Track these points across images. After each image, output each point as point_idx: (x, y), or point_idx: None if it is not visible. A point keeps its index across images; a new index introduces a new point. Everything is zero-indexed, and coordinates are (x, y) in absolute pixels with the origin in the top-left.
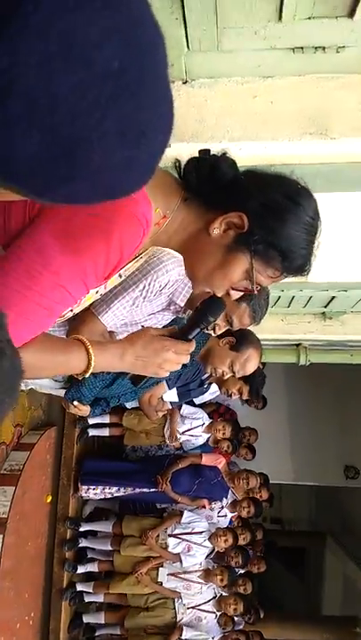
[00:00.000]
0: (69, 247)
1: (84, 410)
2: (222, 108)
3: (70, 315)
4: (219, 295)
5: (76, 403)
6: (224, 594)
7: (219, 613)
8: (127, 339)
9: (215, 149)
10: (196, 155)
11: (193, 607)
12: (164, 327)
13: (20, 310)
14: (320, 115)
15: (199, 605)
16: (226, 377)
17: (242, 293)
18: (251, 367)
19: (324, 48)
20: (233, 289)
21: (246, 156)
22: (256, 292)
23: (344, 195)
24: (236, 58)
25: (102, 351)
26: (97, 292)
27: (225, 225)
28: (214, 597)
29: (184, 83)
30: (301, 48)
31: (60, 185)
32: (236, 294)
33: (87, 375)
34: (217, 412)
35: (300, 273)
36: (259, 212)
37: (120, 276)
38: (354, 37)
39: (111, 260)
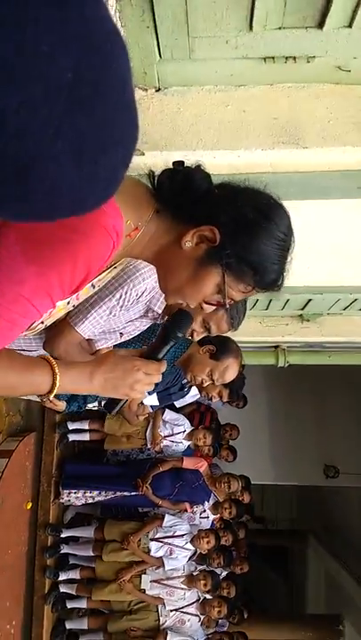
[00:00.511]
0: (35, 258)
1: (60, 405)
2: (195, 116)
3: (41, 326)
4: (191, 306)
5: (51, 397)
6: (208, 597)
7: (202, 616)
8: (95, 360)
9: (190, 159)
10: (170, 166)
11: (176, 610)
12: (141, 334)
13: None
14: (292, 124)
15: (182, 608)
16: (205, 384)
17: (214, 307)
18: (230, 376)
19: (294, 58)
20: (205, 303)
21: (220, 164)
22: (228, 306)
23: (317, 202)
24: (209, 66)
25: (69, 371)
26: (68, 303)
27: (197, 238)
28: (198, 600)
29: (157, 90)
30: (273, 58)
31: (12, 204)
32: (208, 308)
33: (51, 396)
34: (197, 410)
35: (273, 288)
36: (230, 227)
37: (93, 286)
38: (324, 48)
39: (77, 274)
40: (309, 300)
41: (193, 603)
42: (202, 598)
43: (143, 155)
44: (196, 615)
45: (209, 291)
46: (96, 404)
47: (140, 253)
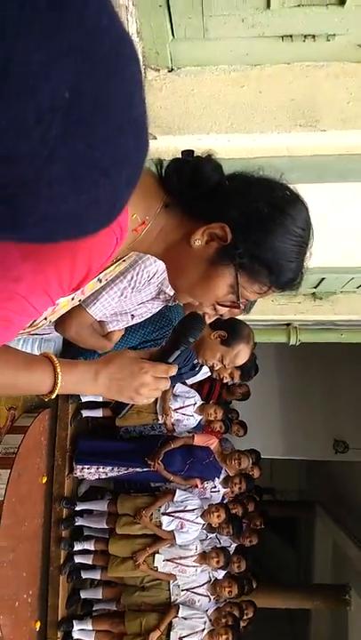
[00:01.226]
0: (31, 255)
1: None
2: (209, 97)
3: (45, 322)
4: (205, 308)
5: (53, 397)
6: (218, 578)
7: (213, 597)
8: (102, 359)
9: (204, 143)
10: (179, 154)
11: (187, 590)
12: (152, 317)
13: None
14: (309, 106)
15: (193, 589)
16: (216, 368)
17: (228, 309)
18: (241, 361)
19: (313, 36)
20: (219, 304)
21: (235, 147)
22: (243, 307)
23: (334, 185)
24: (223, 46)
25: (72, 370)
26: (72, 299)
27: (207, 236)
28: (209, 581)
29: (170, 71)
30: (290, 36)
31: (6, 232)
32: (222, 310)
33: (53, 397)
34: (207, 380)
35: (291, 287)
36: (243, 223)
37: (100, 280)
38: (344, 26)
39: (77, 272)
40: (323, 278)
41: (204, 584)
42: (213, 580)
43: (155, 139)
44: (207, 596)
45: (221, 292)
46: None
47: (147, 249)
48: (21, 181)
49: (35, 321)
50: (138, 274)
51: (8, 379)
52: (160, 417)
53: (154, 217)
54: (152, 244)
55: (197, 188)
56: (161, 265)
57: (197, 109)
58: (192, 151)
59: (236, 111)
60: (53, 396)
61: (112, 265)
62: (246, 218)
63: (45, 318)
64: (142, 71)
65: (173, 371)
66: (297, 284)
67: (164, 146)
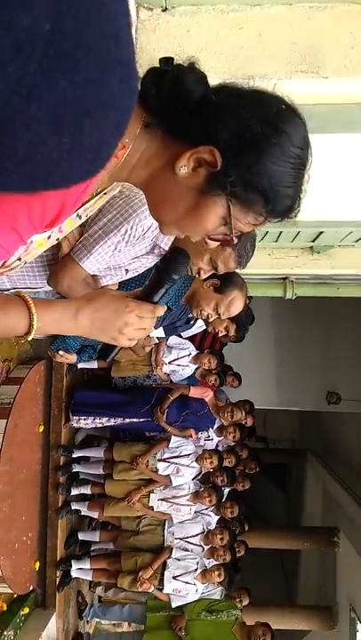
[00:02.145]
0: None
1: (71, 359)
2: (206, 39)
3: (18, 263)
4: (194, 240)
5: (62, 352)
6: (211, 529)
7: (206, 546)
8: (84, 297)
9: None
10: (156, 65)
11: (181, 538)
12: (146, 271)
13: None
14: (312, 50)
15: (187, 538)
16: (211, 319)
17: (219, 243)
18: (235, 309)
19: None
20: (210, 238)
21: None
22: (236, 240)
23: (336, 136)
24: None
25: (49, 310)
26: (49, 238)
27: (193, 162)
28: (202, 532)
29: (164, 10)
30: None
31: None
32: (213, 244)
33: (29, 338)
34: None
35: (288, 216)
36: (233, 145)
37: (79, 216)
38: None
39: (50, 207)
40: (321, 232)
41: (198, 534)
42: (206, 530)
43: None
44: (200, 546)
45: (212, 225)
46: None
47: (127, 177)
48: None
49: (5, 262)
50: (132, 227)
51: None
52: (155, 370)
53: (133, 139)
54: (132, 172)
55: (179, 102)
56: None
57: (193, 52)
58: (172, 59)
59: (235, 55)
60: (30, 338)
61: (92, 199)
62: (238, 138)
63: (19, 259)
64: (133, 9)
65: (160, 311)
66: (295, 211)
67: None
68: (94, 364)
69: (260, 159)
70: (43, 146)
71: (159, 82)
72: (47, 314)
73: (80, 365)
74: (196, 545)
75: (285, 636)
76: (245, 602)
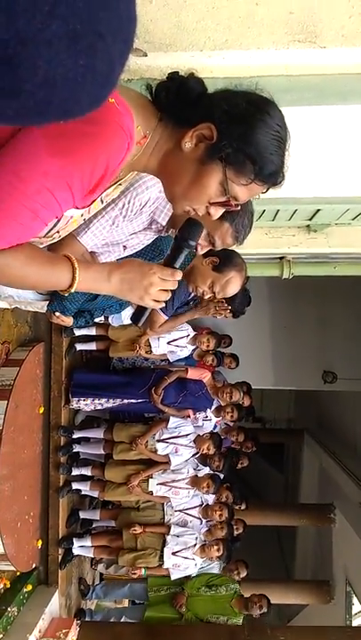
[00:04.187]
0: (59, 149)
1: (67, 321)
2: (203, 10)
3: (57, 236)
4: (200, 213)
5: (58, 314)
6: (210, 503)
7: (204, 520)
8: (114, 262)
9: (197, 60)
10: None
11: (180, 510)
12: (144, 248)
13: (3, 208)
14: (310, 20)
15: (186, 510)
16: (206, 296)
17: (222, 210)
18: (231, 290)
19: None
20: (212, 204)
21: (230, 65)
22: (235, 207)
23: (333, 107)
24: None
25: (88, 269)
26: (82, 216)
27: (195, 138)
28: (201, 505)
29: None
30: None
31: (4, 101)
32: (215, 211)
33: (72, 290)
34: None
35: (274, 181)
36: (226, 120)
37: (102, 201)
38: None
39: (98, 169)
40: (318, 210)
41: (196, 507)
42: (205, 504)
43: (146, 56)
44: (198, 518)
45: (212, 189)
46: (102, 318)
47: (145, 164)
48: (22, 38)
49: (49, 231)
50: (130, 202)
51: (33, 272)
52: (153, 350)
53: (152, 131)
54: (150, 159)
55: (183, 97)
56: (153, 193)
57: (190, 24)
58: (177, 72)
59: (232, 25)
60: (73, 290)
61: (112, 186)
62: (229, 115)
63: (58, 232)
64: None
65: (179, 275)
66: (280, 178)
67: (154, 64)
68: (92, 346)
69: (248, 131)
70: (61, 67)
71: (168, 86)
72: (86, 273)
73: (78, 347)
74: (195, 517)
75: (283, 610)
76: (243, 574)
